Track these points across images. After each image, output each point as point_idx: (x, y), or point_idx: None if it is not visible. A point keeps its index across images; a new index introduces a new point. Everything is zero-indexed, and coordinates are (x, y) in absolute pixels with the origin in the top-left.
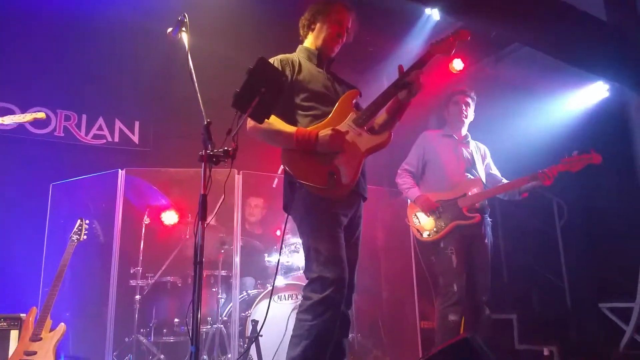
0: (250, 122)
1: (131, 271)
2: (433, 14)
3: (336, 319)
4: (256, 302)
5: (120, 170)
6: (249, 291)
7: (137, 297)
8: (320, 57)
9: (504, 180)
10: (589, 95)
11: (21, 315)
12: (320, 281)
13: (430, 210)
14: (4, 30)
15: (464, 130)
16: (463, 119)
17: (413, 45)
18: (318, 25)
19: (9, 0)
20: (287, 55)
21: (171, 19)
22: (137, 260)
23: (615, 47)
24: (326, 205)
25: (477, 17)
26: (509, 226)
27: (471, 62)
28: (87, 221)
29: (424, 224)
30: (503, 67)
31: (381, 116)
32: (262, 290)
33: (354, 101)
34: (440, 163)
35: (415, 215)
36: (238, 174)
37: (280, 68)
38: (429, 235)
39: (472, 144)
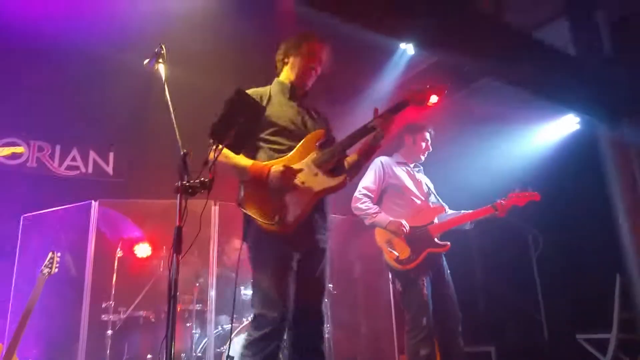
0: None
1: (103, 305)
2: (408, 48)
3: (276, 354)
4: (232, 337)
5: (93, 201)
6: (224, 326)
7: (109, 332)
8: (293, 90)
9: (449, 211)
10: (560, 127)
11: None
12: (259, 319)
13: (405, 236)
14: None
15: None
16: (424, 154)
17: (389, 79)
18: (291, 59)
19: None
20: (259, 88)
21: (148, 49)
22: (109, 294)
23: (584, 81)
24: (275, 240)
25: (450, 53)
26: (484, 257)
27: (445, 96)
28: (59, 254)
29: (399, 251)
30: (475, 100)
31: (352, 156)
32: (237, 325)
33: (318, 142)
34: (402, 189)
35: (388, 241)
36: (215, 205)
37: None
38: (402, 262)
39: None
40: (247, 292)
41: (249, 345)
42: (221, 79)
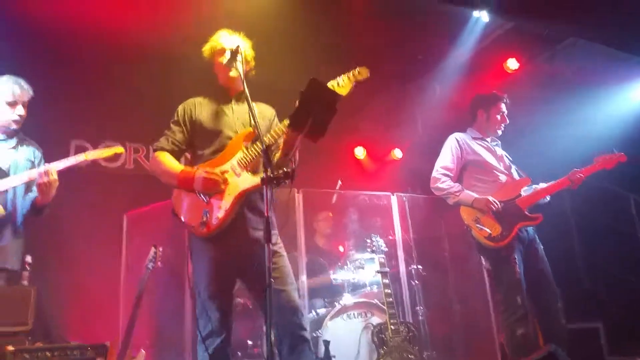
0: (150, 162)
1: None
2: (482, 15)
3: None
4: (326, 321)
5: None
6: (318, 310)
7: None
8: (225, 92)
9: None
10: None
11: (106, 343)
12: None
13: (494, 211)
14: (73, 70)
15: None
16: (501, 126)
17: (464, 49)
18: (214, 61)
19: (69, 42)
20: (195, 98)
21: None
22: None
23: None
24: (205, 244)
25: (529, 17)
26: (582, 226)
27: (526, 60)
28: (161, 248)
29: (489, 227)
30: (558, 63)
31: (278, 153)
32: (330, 308)
33: (245, 142)
34: (483, 164)
35: (476, 219)
36: (298, 192)
37: (183, 114)
38: (495, 239)
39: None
40: (336, 277)
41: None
42: (294, 73)
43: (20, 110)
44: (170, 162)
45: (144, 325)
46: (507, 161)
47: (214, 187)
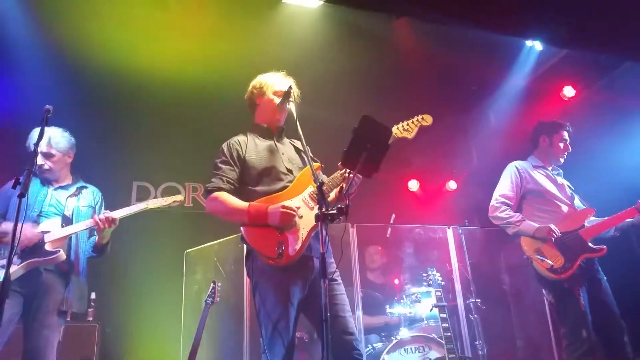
0: (207, 203)
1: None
2: (535, 45)
3: None
4: (383, 355)
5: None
6: (374, 344)
7: None
8: (267, 130)
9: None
10: None
11: None
12: (265, 358)
13: (556, 242)
14: (134, 115)
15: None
16: (564, 154)
17: (518, 78)
18: (261, 100)
19: (129, 89)
20: (238, 137)
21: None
22: None
23: None
24: (276, 273)
25: (583, 44)
26: None
27: (583, 87)
28: (220, 284)
29: (552, 259)
30: (617, 88)
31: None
32: (387, 343)
33: (314, 175)
34: (544, 194)
35: (538, 249)
36: (352, 227)
37: (230, 153)
38: (557, 271)
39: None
40: (392, 311)
41: None
42: (345, 110)
43: (42, 161)
44: (234, 200)
45: (204, 358)
46: (568, 191)
47: (290, 221)
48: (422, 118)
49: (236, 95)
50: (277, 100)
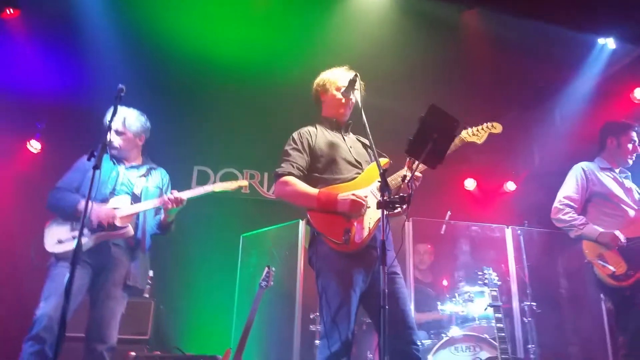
0: (276, 186)
1: (311, 316)
2: (608, 42)
3: None
4: (432, 351)
5: (300, 220)
6: (423, 341)
7: (317, 342)
8: (335, 123)
9: None
10: None
11: (217, 356)
12: (324, 343)
13: (619, 248)
14: (197, 102)
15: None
16: (632, 156)
17: (588, 77)
18: (325, 96)
19: (194, 76)
20: (307, 127)
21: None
22: (317, 305)
23: None
24: (340, 259)
25: None
26: None
27: None
28: (274, 269)
29: (614, 265)
30: None
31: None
32: (436, 340)
33: (378, 164)
34: (610, 197)
35: (600, 255)
36: (408, 220)
37: (300, 141)
38: (619, 278)
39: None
40: (444, 309)
41: None
42: (412, 100)
43: (116, 140)
44: (304, 185)
45: (255, 341)
46: (636, 195)
47: (359, 209)
48: (493, 125)
49: (301, 86)
50: (340, 96)
